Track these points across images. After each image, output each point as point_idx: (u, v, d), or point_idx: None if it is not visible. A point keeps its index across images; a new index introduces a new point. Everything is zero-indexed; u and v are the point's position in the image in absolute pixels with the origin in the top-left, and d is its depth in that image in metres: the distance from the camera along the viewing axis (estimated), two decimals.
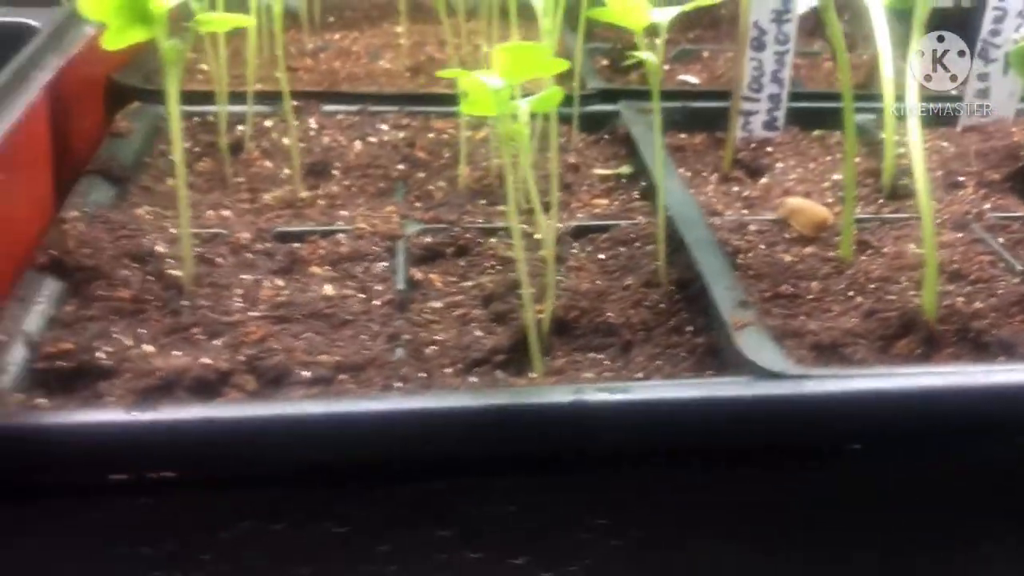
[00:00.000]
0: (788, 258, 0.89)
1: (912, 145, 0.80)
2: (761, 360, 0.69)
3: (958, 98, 1.22)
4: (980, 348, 0.77)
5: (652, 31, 0.81)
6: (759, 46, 1.13)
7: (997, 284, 0.85)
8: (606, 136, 1.16)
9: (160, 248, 0.84)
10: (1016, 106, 1.20)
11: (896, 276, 0.87)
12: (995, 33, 1.17)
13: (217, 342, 0.74)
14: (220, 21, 0.78)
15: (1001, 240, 0.93)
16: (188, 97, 0.88)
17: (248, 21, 0.76)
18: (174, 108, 0.75)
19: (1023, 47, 1.00)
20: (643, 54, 0.81)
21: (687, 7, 0.83)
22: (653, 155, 1.05)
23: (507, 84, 0.69)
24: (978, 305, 0.82)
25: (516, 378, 0.73)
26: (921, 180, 0.78)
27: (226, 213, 0.94)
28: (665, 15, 0.83)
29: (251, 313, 0.77)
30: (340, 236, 0.89)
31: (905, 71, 0.87)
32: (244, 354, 0.71)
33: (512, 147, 0.73)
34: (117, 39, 0.75)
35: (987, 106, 1.20)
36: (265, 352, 0.72)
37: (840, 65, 0.88)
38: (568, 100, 1.12)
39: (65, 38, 1.00)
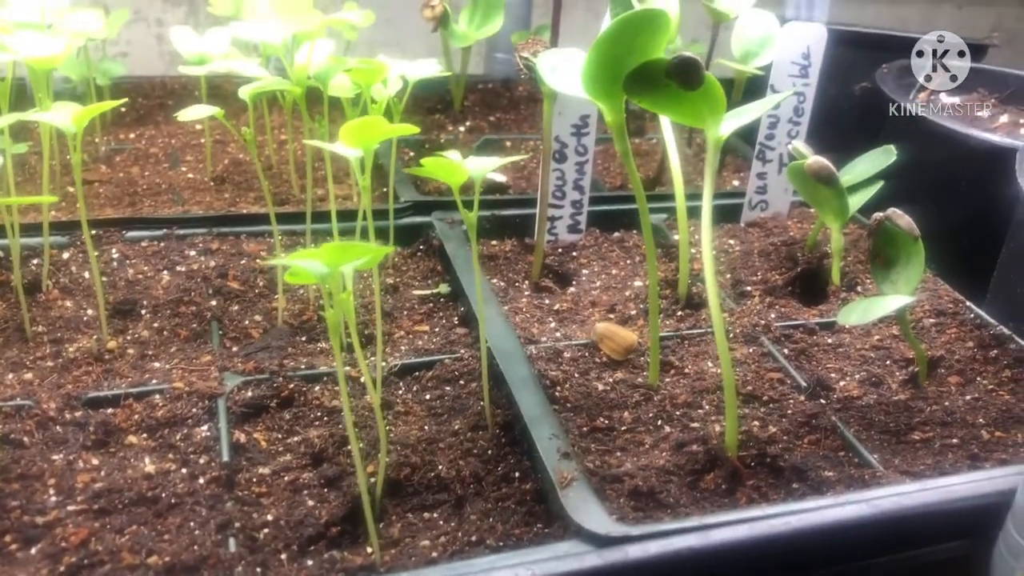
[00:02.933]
0: (601, 386, 0.95)
1: (707, 274, 0.85)
2: (587, 522, 0.74)
3: (740, 193, 1.33)
4: (776, 473, 0.85)
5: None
6: (561, 158, 1.18)
7: (786, 404, 0.94)
8: (421, 248, 1.18)
9: None
10: (790, 200, 1.32)
11: (698, 400, 0.94)
12: (770, 137, 1.28)
13: (34, 551, 0.70)
14: (20, 200, 0.74)
15: (786, 351, 1.02)
16: None
17: (52, 198, 0.72)
18: None
19: (798, 164, 1.11)
20: (463, 213, 0.83)
21: (499, 163, 0.86)
22: (468, 274, 1.08)
23: (331, 271, 0.70)
24: (772, 429, 0.90)
25: (352, 555, 0.74)
26: (718, 325, 0.84)
27: (28, 376, 0.89)
28: (480, 166, 0.86)
29: (69, 507, 0.74)
30: (156, 397, 0.87)
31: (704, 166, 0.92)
32: (66, 563, 0.69)
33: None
34: None
35: (765, 202, 1.31)
36: (89, 558, 0.69)
37: (644, 226, 0.93)
38: (384, 213, 1.13)
39: None
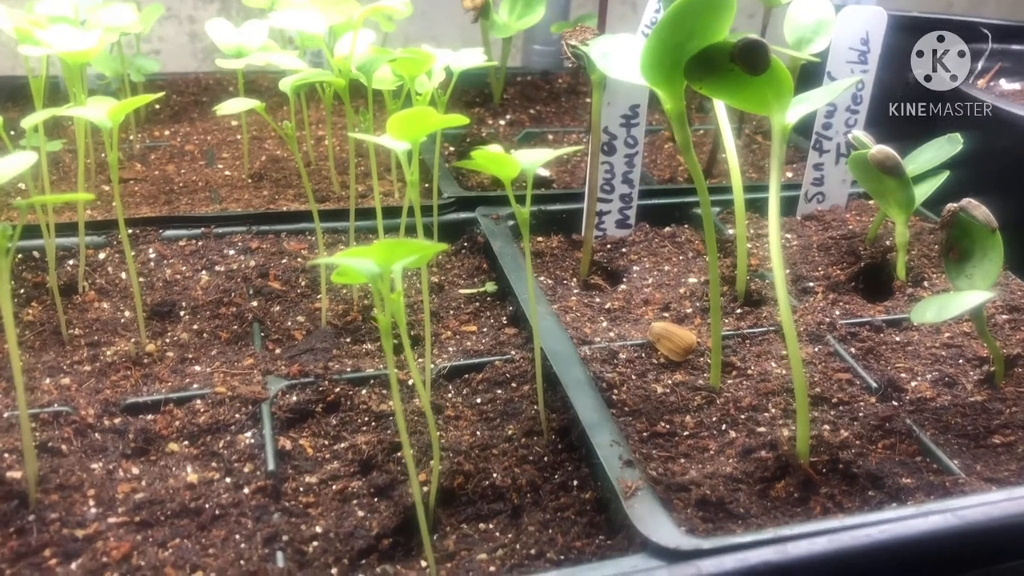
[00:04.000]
0: (660, 389, 0.90)
1: (775, 270, 0.80)
2: (654, 535, 0.69)
3: (795, 185, 1.28)
4: (851, 480, 0.80)
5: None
6: (610, 150, 1.14)
7: (857, 406, 0.89)
8: (465, 245, 1.14)
9: None
10: (848, 191, 1.27)
11: (764, 403, 0.89)
12: (827, 127, 1.23)
13: (74, 566, 0.66)
14: (54, 198, 0.70)
15: (853, 351, 0.97)
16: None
17: (88, 196, 0.69)
18: (7, 306, 0.67)
19: (861, 154, 1.06)
20: (515, 208, 0.79)
21: (553, 155, 0.81)
22: (515, 272, 1.04)
23: (382, 270, 0.66)
24: (844, 433, 0.85)
25: (406, 569, 0.70)
26: (788, 324, 0.79)
27: (66, 381, 0.85)
28: (532, 159, 0.81)
29: (109, 519, 0.71)
30: (197, 402, 0.83)
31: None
32: None
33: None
34: None
35: (822, 194, 1.26)
36: (132, 574, 0.66)
37: (705, 219, 0.89)
38: (426, 209, 1.10)
39: None
